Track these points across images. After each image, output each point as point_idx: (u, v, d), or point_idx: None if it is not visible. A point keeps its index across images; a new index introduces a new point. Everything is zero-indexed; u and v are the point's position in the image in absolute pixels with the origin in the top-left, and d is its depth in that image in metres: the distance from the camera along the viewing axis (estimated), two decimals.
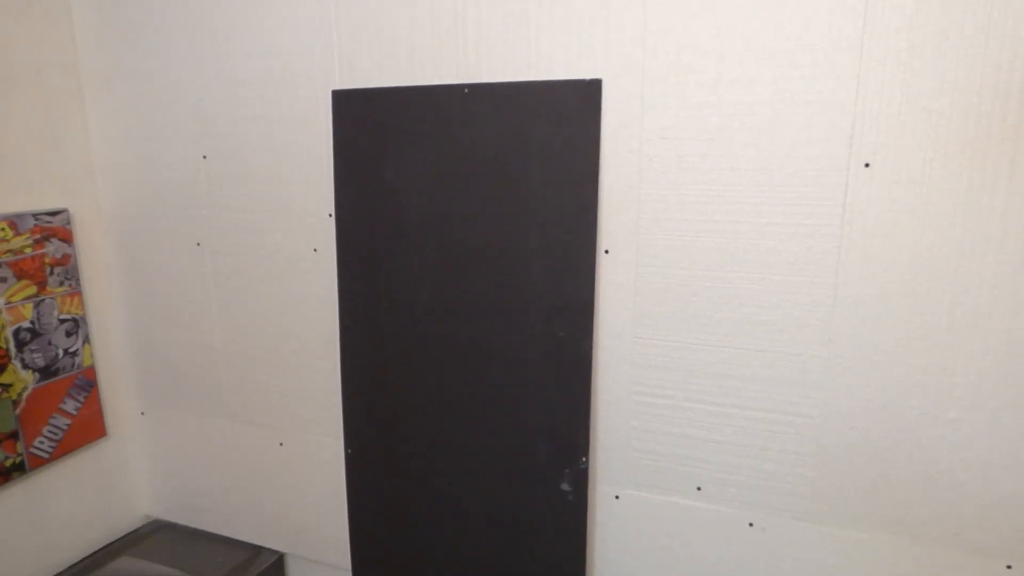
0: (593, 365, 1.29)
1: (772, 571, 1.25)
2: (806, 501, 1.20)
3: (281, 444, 1.64)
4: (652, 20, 1.13)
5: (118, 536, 1.79)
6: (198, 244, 1.60)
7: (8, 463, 1.50)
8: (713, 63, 1.11)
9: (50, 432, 1.58)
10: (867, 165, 1.06)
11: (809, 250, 1.12)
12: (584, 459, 1.32)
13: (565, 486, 1.34)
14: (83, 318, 1.65)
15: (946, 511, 1.12)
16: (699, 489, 1.28)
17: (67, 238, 1.60)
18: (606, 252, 1.25)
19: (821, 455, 1.18)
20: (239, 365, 1.63)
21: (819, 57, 1.05)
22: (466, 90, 1.26)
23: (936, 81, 1.00)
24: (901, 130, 1.04)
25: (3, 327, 1.47)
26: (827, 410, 1.16)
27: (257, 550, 1.71)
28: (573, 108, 1.20)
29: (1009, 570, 1.10)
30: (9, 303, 1.48)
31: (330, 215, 1.45)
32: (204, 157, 1.54)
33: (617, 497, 1.34)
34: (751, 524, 1.25)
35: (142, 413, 1.80)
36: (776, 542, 1.24)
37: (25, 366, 1.52)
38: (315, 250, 1.49)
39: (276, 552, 1.71)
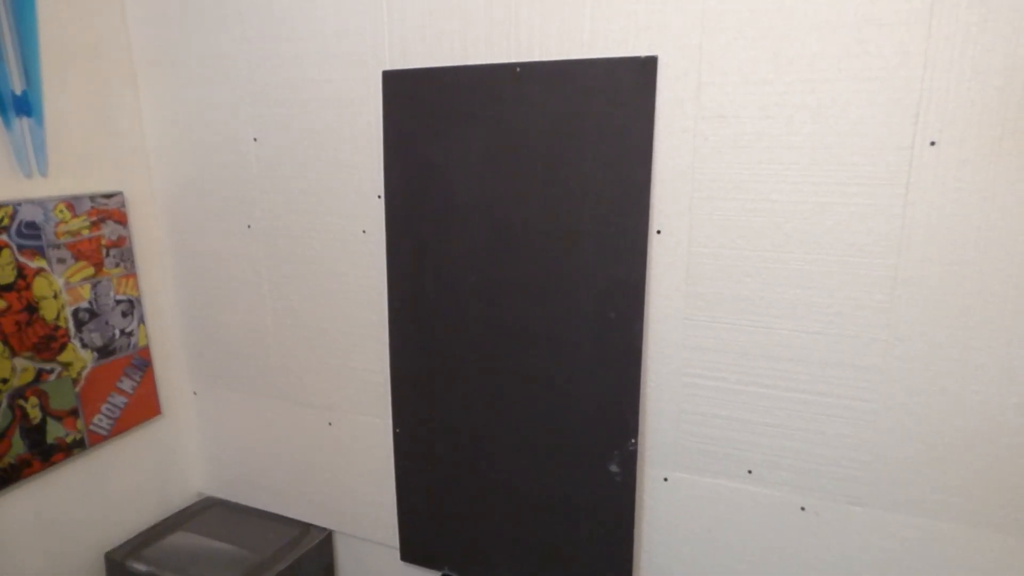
0: (643, 347, 1.29)
1: (824, 556, 1.25)
2: (861, 486, 1.19)
3: (330, 424, 1.67)
4: None
5: (172, 512, 1.84)
6: (249, 226, 1.63)
7: (69, 439, 1.55)
8: (774, 40, 1.09)
9: (108, 410, 1.63)
10: (933, 143, 1.04)
11: (869, 231, 1.10)
12: (633, 441, 1.32)
13: (613, 467, 1.35)
14: (138, 299, 1.69)
15: (1006, 498, 1.10)
16: (750, 472, 1.27)
17: (122, 220, 1.63)
18: (658, 232, 1.24)
19: (877, 439, 1.17)
20: (289, 346, 1.66)
21: (885, 32, 1.03)
22: (518, 69, 1.26)
23: (1007, 58, 0.97)
24: (969, 108, 1.01)
25: (63, 307, 1.52)
26: (884, 394, 1.15)
27: (306, 527, 1.75)
28: (627, 86, 1.19)
29: None
30: (68, 284, 1.52)
31: (379, 196, 1.46)
32: (255, 139, 1.56)
33: (666, 479, 1.34)
34: (803, 508, 1.25)
35: (195, 393, 1.85)
36: (829, 527, 1.23)
37: (84, 345, 1.56)
38: (364, 232, 1.50)
39: (325, 529, 1.75)
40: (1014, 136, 0.99)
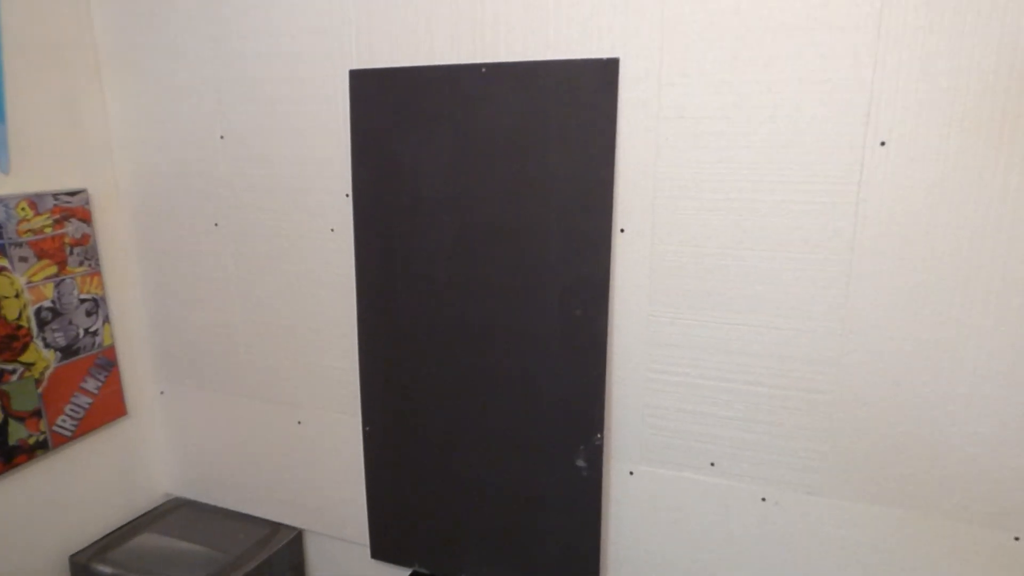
0: (608, 343, 1.31)
1: (785, 545, 1.28)
2: (819, 476, 1.23)
3: (299, 422, 1.67)
4: None
5: (139, 513, 1.82)
6: (216, 224, 1.62)
7: (31, 441, 1.53)
8: (731, 42, 1.12)
9: (72, 411, 1.61)
10: (883, 143, 1.07)
11: (824, 227, 1.13)
12: (599, 435, 1.34)
13: (580, 462, 1.36)
14: (102, 298, 1.67)
15: (956, 485, 1.14)
16: (713, 464, 1.30)
17: (86, 218, 1.61)
18: (621, 231, 1.26)
19: (834, 430, 1.20)
20: (257, 344, 1.66)
21: (836, 35, 1.06)
22: (483, 69, 1.27)
23: (953, 59, 1.01)
24: (918, 108, 1.05)
25: (25, 306, 1.49)
26: (840, 386, 1.18)
27: (276, 527, 1.74)
28: (590, 87, 1.21)
29: (1017, 542, 1.12)
30: (31, 283, 1.50)
31: (347, 195, 1.47)
32: (221, 137, 1.56)
33: (631, 473, 1.37)
34: (764, 499, 1.28)
35: (161, 392, 1.83)
36: (789, 516, 1.26)
37: (47, 345, 1.54)
38: (332, 230, 1.50)
39: (295, 528, 1.74)
40: (960, 136, 1.03)
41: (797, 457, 1.24)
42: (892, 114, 1.06)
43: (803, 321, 1.18)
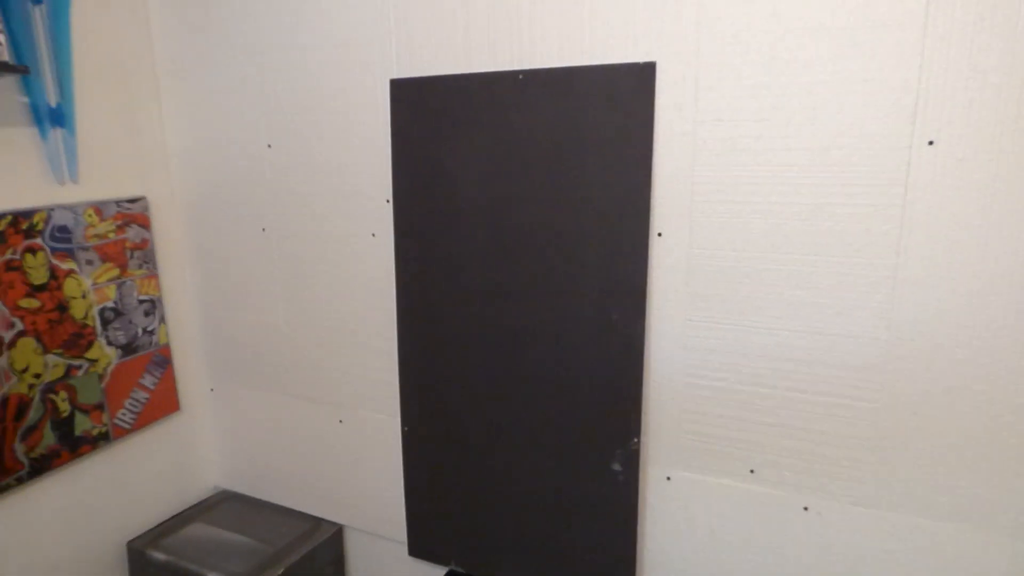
0: (645, 347, 1.31)
1: (827, 556, 1.24)
2: (864, 486, 1.19)
3: (340, 421, 1.71)
4: (707, 2, 1.13)
5: (189, 504, 1.90)
6: (263, 229, 1.69)
7: (95, 432, 1.62)
8: (769, 43, 1.10)
9: (131, 405, 1.70)
10: (931, 143, 1.04)
11: (868, 231, 1.11)
12: (635, 440, 1.33)
13: (616, 466, 1.36)
14: (159, 299, 1.76)
15: (1010, 500, 1.09)
16: (752, 472, 1.28)
17: (145, 223, 1.71)
18: (659, 235, 1.26)
19: (880, 439, 1.16)
20: (302, 345, 1.71)
21: (880, 34, 1.04)
22: (520, 76, 1.29)
23: (1004, 55, 0.98)
24: (967, 106, 1.01)
25: (91, 306, 1.59)
26: (887, 394, 1.14)
27: (318, 522, 1.79)
28: (627, 91, 1.21)
29: None
30: (96, 284, 1.59)
31: (388, 201, 1.51)
32: (269, 146, 1.62)
33: (668, 478, 1.35)
34: (806, 508, 1.24)
35: (212, 389, 1.91)
36: (832, 527, 1.23)
37: (109, 343, 1.64)
38: (373, 235, 1.55)
39: (335, 524, 1.79)
40: (1013, 134, 0.99)
41: (841, 466, 1.20)
42: (940, 113, 1.03)
43: (846, 326, 1.15)
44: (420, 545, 1.63)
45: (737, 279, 1.21)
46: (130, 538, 1.75)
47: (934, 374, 1.11)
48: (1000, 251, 1.03)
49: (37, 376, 1.48)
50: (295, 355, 1.73)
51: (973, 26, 0.98)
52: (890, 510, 1.18)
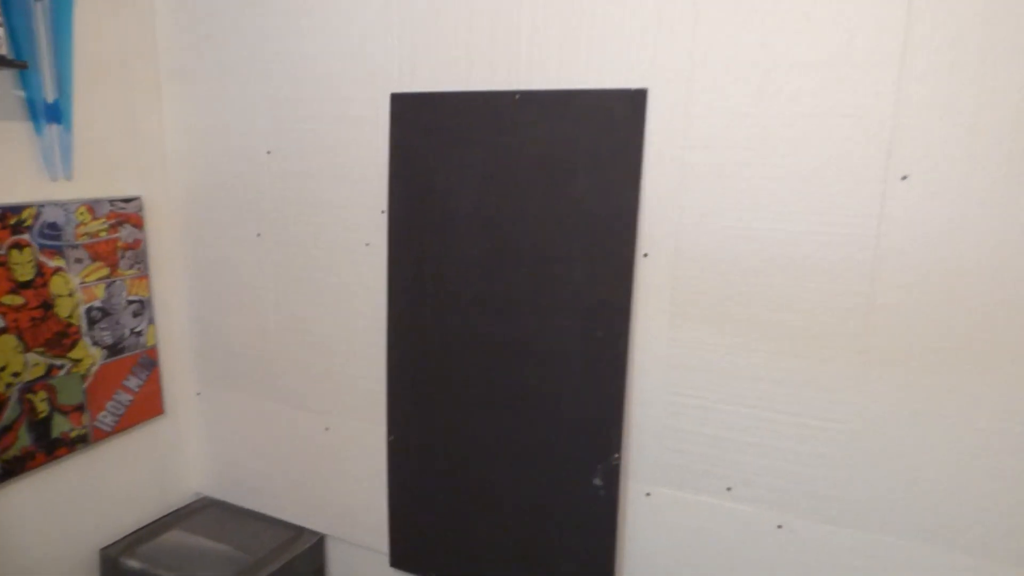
0: (628, 364, 1.34)
1: (800, 573, 1.27)
2: (836, 505, 1.23)
3: (327, 429, 1.72)
4: (700, 33, 1.19)
5: (169, 511, 1.88)
6: (258, 234, 1.70)
7: (73, 434, 1.60)
8: (758, 76, 1.16)
9: (113, 407, 1.69)
10: (904, 177, 1.10)
11: (845, 259, 1.15)
12: (616, 455, 1.36)
13: (597, 481, 1.38)
14: (149, 300, 1.76)
15: (976, 520, 1.13)
16: (729, 489, 1.31)
17: (139, 224, 1.71)
18: (645, 255, 1.30)
19: (852, 460, 1.20)
20: (292, 351, 1.72)
21: (859, 72, 1.09)
22: (517, 96, 1.34)
23: (975, 98, 1.04)
24: (940, 144, 1.07)
25: (77, 305, 1.58)
26: (859, 416, 1.19)
27: (299, 531, 1.79)
28: (618, 116, 1.26)
29: None
30: (84, 283, 1.59)
31: (383, 212, 1.53)
32: (268, 152, 1.65)
33: (648, 494, 1.38)
34: (779, 526, 1.28)
35: (198, 394, 1.90)
36: (804, 545, 1.26)
37: (95, 343, 1.63)
38: (367, 244, 1.57)
39: (317, 533, 1.78)
40: (982, 172, 1.05)
41: (815, 485, 1.24)
42: (914, 149, 1.08)
43: (822, 350, 1.19)
44: (402, 556, 1.63)
45: (719, 300, 1.25)
46: (104, 544, 1.72)
47: (904, 398, 1.15)
48: (967, 282, 1.08)
49: (16, 375, 1.47)
50: (284, 362, 1.74)
51: (947, 69, 1.04)
52: (861, 529, 1.21)
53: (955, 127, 1.06)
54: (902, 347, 1.14)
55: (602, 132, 1.27)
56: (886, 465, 1.18)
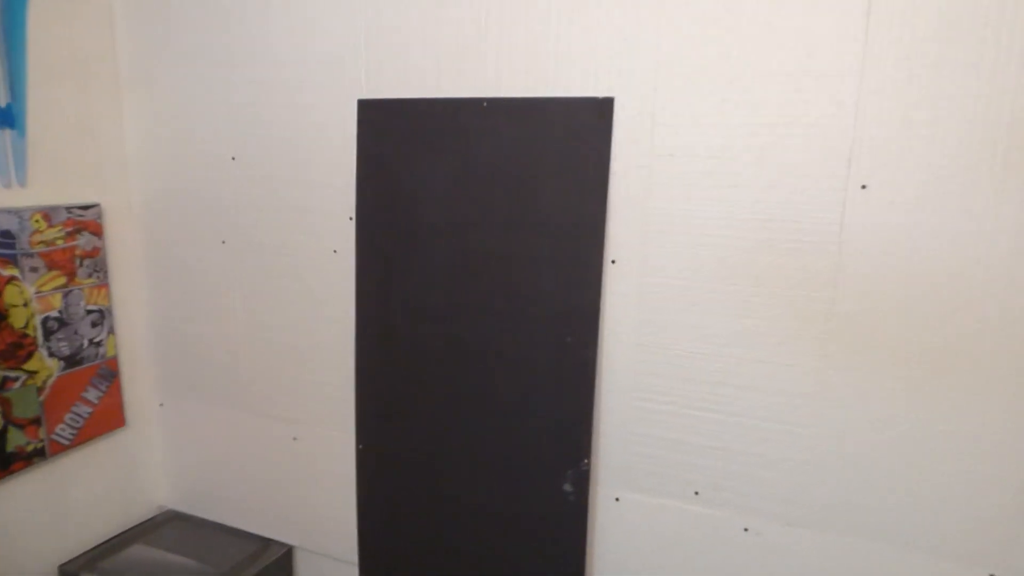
0: (597, 370, 1.34)
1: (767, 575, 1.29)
2: (801, 508, 1.25)
3: (295, 438, 1.69)
4: (666, 44, 1.20)
5: (132, 525, 1.83)
6: (223, 242, 1.67)
7: (30, 448, 1.55)
8: (721, 86, 1.17)
9: (71, 420, 1.64)
10: (864, 187, 1.12)
11: (806, 266, 1.18)
12: (586, 461, 1.37)
13: (567, 487, 1.39)
14: (109, 310, 1.71)
15: (935, 521, 1.16)
16: (696, 494, 1.32)
17: (98, 231, 1.67)
18: (612, 262, 1.31)
19: (816, 464, 1.22)
20: (258, 360, 1.69)
21: (820, 84, 1.12)
22: (485, 104, 1.33)
23: (931, 111, 1.06)
24: (899, 154, 1.09)
25: (32, 315, 1.53)
26: (822, 421, 1.21)
27: (266, 543, 1.75)
28: (586, 124, 1.26)
29: None
30: (39, 292, 1.54)
31: (350, 218, 1.52)
32: (233, 158, 1.61)
33: (617, 499, 1.39)
34: (746, 529, 1.29)
35: (161, 404, 1.86)
36: (770, 548, 1.28)
37: (51, 354, 1.58)
38: (335, 251, 1.55)
39: (285, 545, 1.75)
40: (938, 182, 1.08)
41: (779, 489, 1.26)
42: (873, 159, 1.11)
43: (785, 356, 1.21)
44: (372, 565, 1.61)
45: (685, 307, 1.27)
46: (63, 561, 1.67)
47: (863, 403, 1.18)
48: (924, 290, 1.11)
49: None
50: (251, 370, 1.71)
51: (905, 82, 1.07)
52: (825, 531, 1.24)
53: (912, 138, 1.08)
54: (862, 352, 1.16)
55: (570, 140, 1.28)
56: (850, 468, 1.20)
